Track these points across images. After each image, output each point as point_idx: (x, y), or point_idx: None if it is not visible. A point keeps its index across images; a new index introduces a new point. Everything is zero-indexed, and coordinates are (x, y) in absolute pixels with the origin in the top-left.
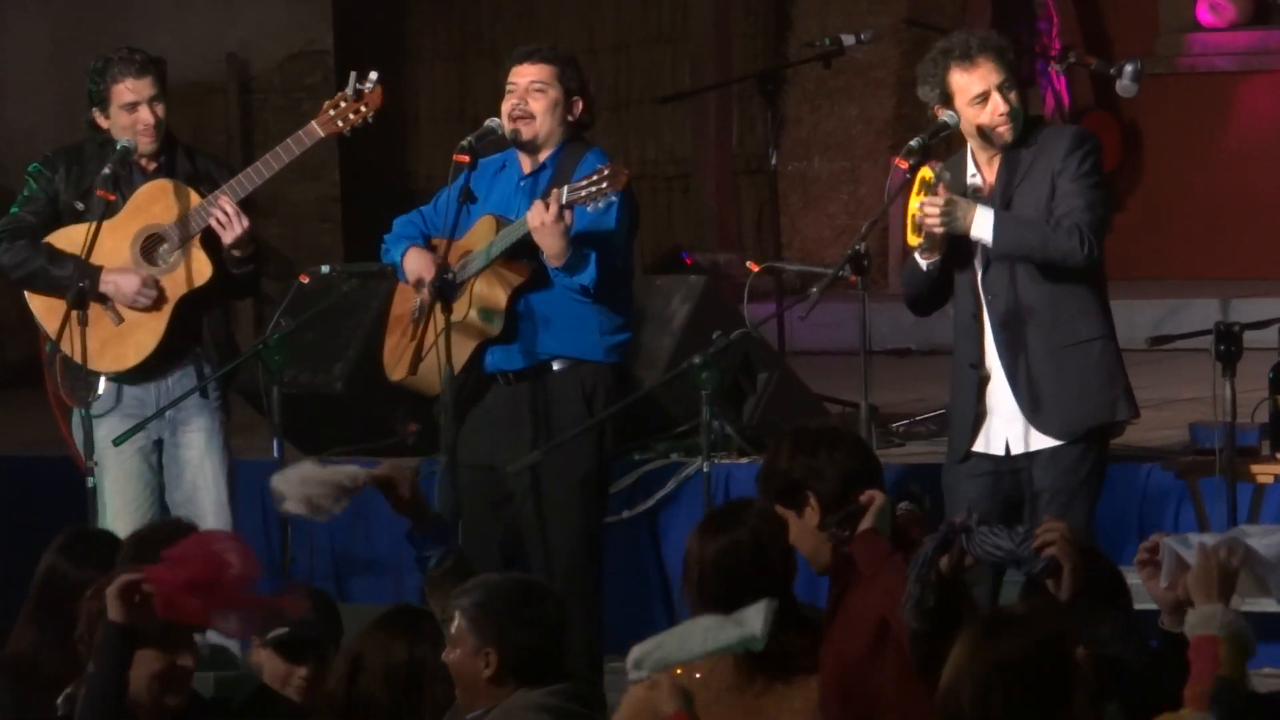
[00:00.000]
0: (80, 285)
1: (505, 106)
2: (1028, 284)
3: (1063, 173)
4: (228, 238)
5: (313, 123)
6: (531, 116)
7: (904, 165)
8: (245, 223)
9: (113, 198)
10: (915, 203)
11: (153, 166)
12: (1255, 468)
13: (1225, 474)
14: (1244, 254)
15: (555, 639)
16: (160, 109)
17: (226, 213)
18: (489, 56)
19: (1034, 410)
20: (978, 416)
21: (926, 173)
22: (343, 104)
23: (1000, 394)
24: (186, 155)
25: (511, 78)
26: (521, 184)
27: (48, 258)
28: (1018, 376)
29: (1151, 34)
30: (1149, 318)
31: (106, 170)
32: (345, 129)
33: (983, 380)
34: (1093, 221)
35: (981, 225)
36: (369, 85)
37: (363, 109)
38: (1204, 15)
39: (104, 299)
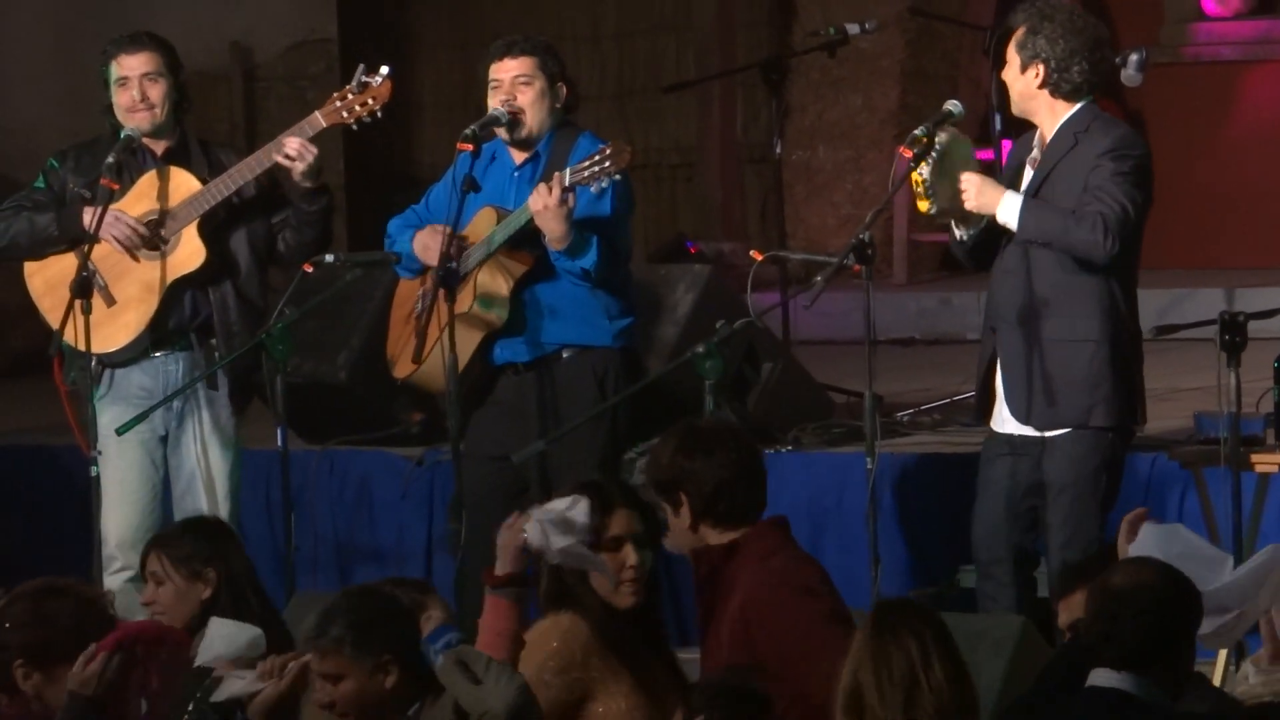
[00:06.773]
0: (84, 274)
1: (492, 102)
2: (1040, 271)
3: (1098, 169)
4: (300, 168)
5: (316, 113)
6: (521, 110)
7: (908, 154)
8: (314, 150)
9: (116, 186)
10: (921, 170)
11: (161, 150)
12: (1260, 457)
13: (1230, 464)
14: (1249, 244)
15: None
16: (156, 89)
17: (296, 148)
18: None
19: (1012, 395)
20: (992, 388)
21: (920, 137)
22: (349, 95)
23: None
24: (201, 147)
25: (494, 74)
26: (516, 174)
27: (29, 216)
28: (1009, 358)
29: (1156, 23)
30: (1153, 308)
31: (110, 159)
32: (350, 120)
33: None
34: (1117, 217)
35: (1008, 209)
36: (377, 79)
37: (370, 102)
38: (1209, 5)
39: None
